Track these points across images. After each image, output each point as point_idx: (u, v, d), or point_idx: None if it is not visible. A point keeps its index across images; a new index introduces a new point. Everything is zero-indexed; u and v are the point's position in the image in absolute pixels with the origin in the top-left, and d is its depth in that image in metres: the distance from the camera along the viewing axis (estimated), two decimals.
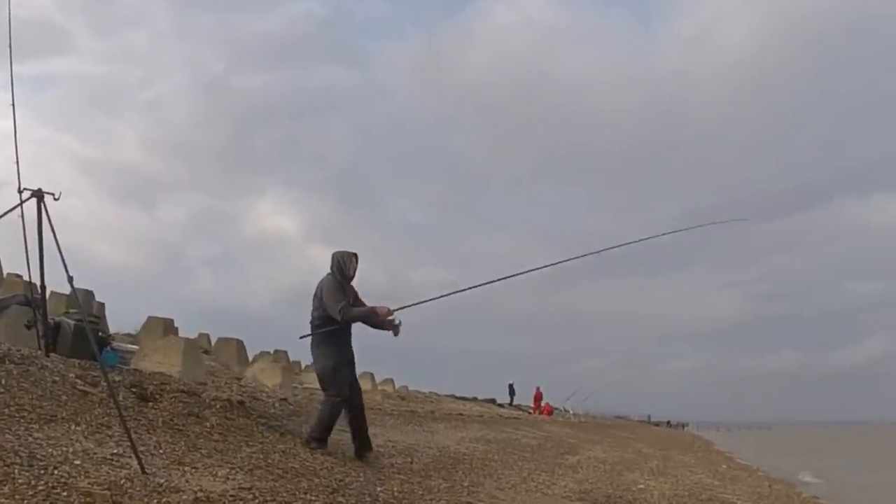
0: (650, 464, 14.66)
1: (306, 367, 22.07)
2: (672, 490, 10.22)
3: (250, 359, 17.67)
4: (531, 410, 36.80)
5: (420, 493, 6.42)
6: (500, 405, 36.33)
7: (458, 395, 31.95)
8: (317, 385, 15.72)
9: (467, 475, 8.25)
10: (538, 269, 8.41)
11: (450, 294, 7.55)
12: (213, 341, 18.59)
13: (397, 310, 7.30)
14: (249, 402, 8.82)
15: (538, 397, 38.07)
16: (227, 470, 5.31)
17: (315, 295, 7.38)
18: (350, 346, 7.46)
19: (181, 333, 15.16)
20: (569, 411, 40.21)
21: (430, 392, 28.56)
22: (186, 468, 5.04)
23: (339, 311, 7.14)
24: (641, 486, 10.12)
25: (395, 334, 7.38)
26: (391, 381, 24.51)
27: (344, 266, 7.43)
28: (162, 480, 4.50)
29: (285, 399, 10.74)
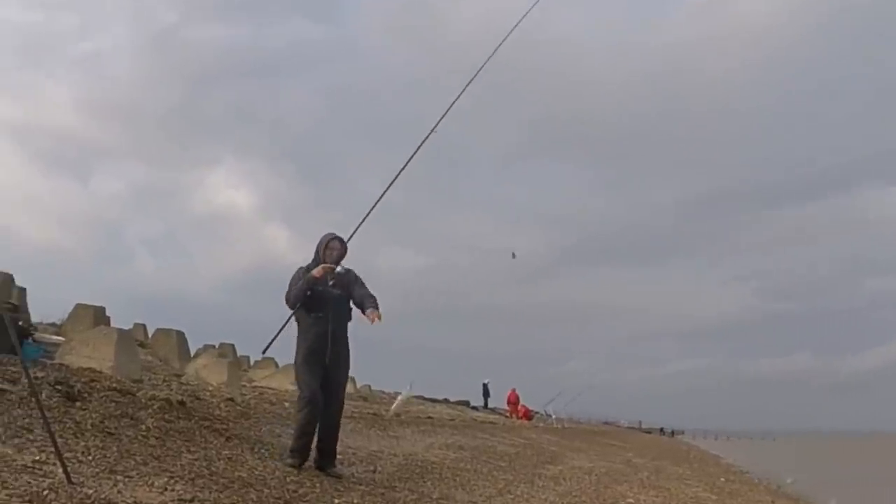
0: (640, 475, 14.79)
1: (256, 362, 22.04)
2: None
3: (192, 353, 17.53)
4: (507, 414, 36.98)
5: None
6: (474, 408, 36.46)
7: (426, 396, 32.01)
8: (267, 384, 15.79)
9: (436, 486, 8.29)
10: None
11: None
12: (151, 333, 18.41)
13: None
14: (191, 403, 8.79)
15: (513, 400, 38.23)
16: (166, 479, 5.29)
17: None
18: (325, 340, 7.28)
19: (114, 323, 14.97)
20: (551, 416, 40.38)
21: (396, 392, 28.56)
22: (119, 477, 5.01)
23: (285, 299, 7.31)
24: (630, 500, 10.23)
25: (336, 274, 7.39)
26: (352, 379, 24.49)
27: (318, 250, 7.52)
28: (91, 491, 4.48)
29: (232, 399, 10.71)
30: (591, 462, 16.45)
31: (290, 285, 7.34)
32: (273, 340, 7.41)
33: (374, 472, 8.29)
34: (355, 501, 6.28)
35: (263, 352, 7.43)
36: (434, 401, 31.56)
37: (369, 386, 25.54)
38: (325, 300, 7.31)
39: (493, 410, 38.21)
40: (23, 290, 14.33)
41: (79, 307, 15.18)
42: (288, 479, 6.44)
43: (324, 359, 7.26)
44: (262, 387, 15.22)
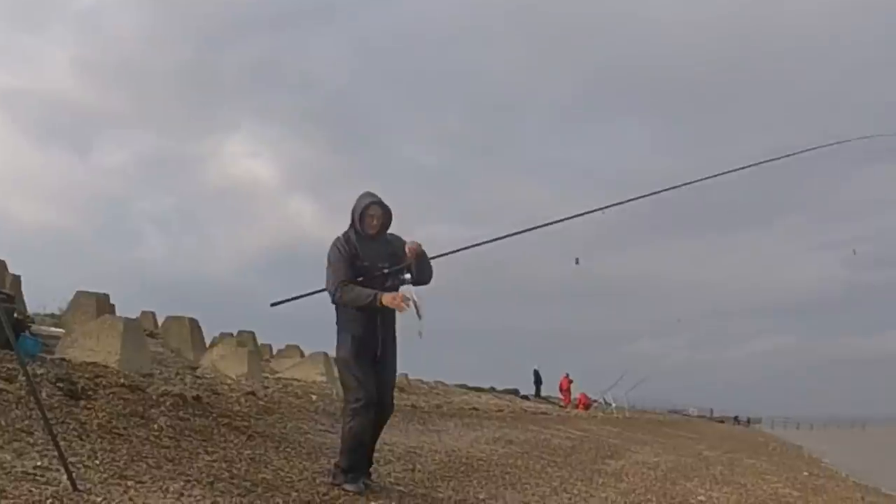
0: (712, 470, 14.70)
1: (279, 351, 22.17)
2: (739, 503, 10.27)
3: (208, 343, 17.70)
4: (561, 403, 37.01)
5: None
6: (525, 397, 36.55)
7: (470, 384, 32.12)
8: (292, 375, 15.88)
9: (483, 485, 8.28)
10: (588, 212, 7.95)
11: (472, 246, 7.21)
12: (161, 321, 18.62)
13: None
14: (207, 398, 8.87)
15: (565, 387, 38.21)
16: (181, 483, 5.33)
17: None
18: (375, 330, 6.60)
19: (119, 312, 15.13)
20: (611, 404, 40.32)
21: (436, 382, 28.71)
22: (129, 483, 5.05)
23: (334, 290, 6.52)
24: (702, 497, 10.17)
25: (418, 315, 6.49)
26: None
27: (355, 216, 6.66)
28: (98, 499, 4.51)
29: (253, 393, 10.80)
30: (657, 456, 16.39)
31: (332, 267, 6.57)
32: (289, 300, 6.80)
33: (412, 470, 8.28)
34: None
35: (273, 304, 6.90)
36: (479, 390, 31.65)
37: (406, 375, 25.59)
38: (375, 282, 6.56)
39: (546, 399, 38.26)
40: (17, 278, 14.53)
41: (80, 295, 15.34)
42: (317, 481, 6.45)
43: (375, 352, 6.63)
44: (286, 378, 15.32)
